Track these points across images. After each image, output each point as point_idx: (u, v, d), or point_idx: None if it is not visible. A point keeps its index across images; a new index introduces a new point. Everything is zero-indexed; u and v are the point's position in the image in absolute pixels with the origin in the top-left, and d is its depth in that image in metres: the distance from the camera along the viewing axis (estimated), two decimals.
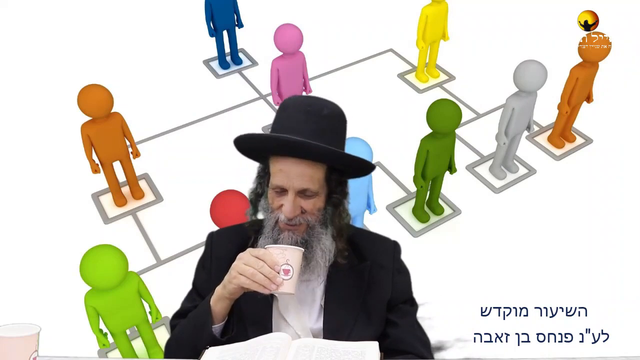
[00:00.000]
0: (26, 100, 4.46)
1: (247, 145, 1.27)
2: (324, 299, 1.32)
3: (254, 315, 1.30)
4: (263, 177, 1.30)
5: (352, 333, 1.27)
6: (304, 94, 3.90)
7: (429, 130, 3.11)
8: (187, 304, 1.42)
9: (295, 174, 1.20)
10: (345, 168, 1.27)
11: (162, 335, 2.90)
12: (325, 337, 1.27)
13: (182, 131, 4.18)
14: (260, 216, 1.34)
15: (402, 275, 1.39)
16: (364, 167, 1.28)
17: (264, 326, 1.28)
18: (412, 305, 1.40)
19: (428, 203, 3.52)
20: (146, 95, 4.47)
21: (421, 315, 1.42)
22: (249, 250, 1.19)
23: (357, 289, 1.32)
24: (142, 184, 3.75)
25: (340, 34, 5.13)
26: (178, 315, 1.41)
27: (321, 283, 1.32)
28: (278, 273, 1.16)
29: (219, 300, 1.23)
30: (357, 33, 5.15)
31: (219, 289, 1.23)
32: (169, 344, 1.37)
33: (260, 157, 1.30)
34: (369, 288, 1.33)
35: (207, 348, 1.21)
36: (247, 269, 1.15)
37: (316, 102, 1.25)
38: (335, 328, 1.28)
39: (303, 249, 1.21)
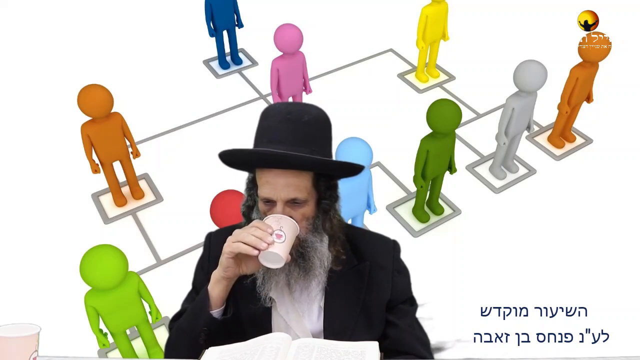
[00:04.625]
0: (26, 100, 4.46)
1: (231, 159, 1.26)
2: (323, 301, 1.31)
3: (253, 318, 1.30)
4: (252, 188, 1.29)
5: (353, 334, 1.27)
6: (304, 94, 3.90)
7: (429, 130, 3.11)
8: (187, 304, 1.41)
9: (281, 185, 1.19)
10: (331, 173, 1.27)
11: (162, 335, 2.90)
12: (325, 339, 1.27)
13: (182, 131, 4.18)
14: None
15: (401, 275, 1.38)
16: (350, 170, 1.27)
17: (264, 329, 1.28)
18: (412, 305, 1.39)
19: (428, 203, 3.52)
20: (146, 95, 4.47)
21: (421, 315, 1.42)
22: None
23: (357, 290, 1.32)
24: (142, 184, 3.75)
25: (340, 34, 5.13)
26: (178, 316, 1.41)
27: (319, 283, 1.31)
28: (272, 234, 1.16)
29: (216, 283, 1.24)
30: (357, 33, 5.15)
31: (215, 272, 1.24)
32: (169, 338, 1.37)
33: (247, 168, 1.30)
34: (368, 289, 1.32)
35: (207, 348, 1.21)
36: (240, 234, 1.16)
37: (296, 109, 1.23)
38: (336, 330, 1.28)
39: (299, 228, 1.22)
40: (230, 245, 1.17)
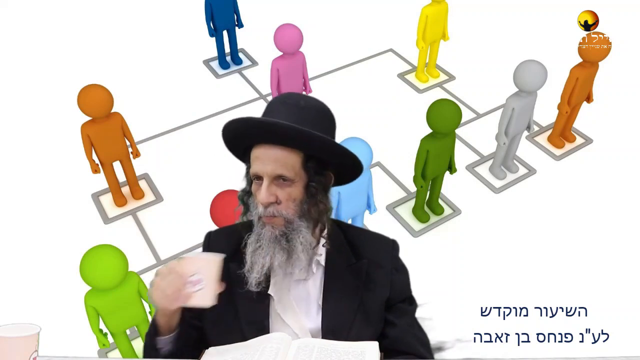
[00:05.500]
0: (26, 100, 4.46)
1: (228, 135, 1.28)
2: (321, 299, 1.31)
3: (250, 314, 1.29)
4: (249, 173, 1.29)
5: (351, 332, 1.27)
6: (303, 94, 3.90)
7: (429, 130, 3.11)
8: None
9: (268, 159, 1.20)
10: (318, 153, 1.24)
11: None
12: (323, 337, 1.26)
13: (182, 131, 4.18)
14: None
15: (400, 273, 1.38)
16: (337, 152, 1.25)
17: (261, 326, 1.28)
18: (411, 304, 1.39)
19: (428, 203, 3.52)
20: (146, 95, 4.47)
21: (421, 315, 1.42)
22: (168, 263, 1.19)
23: (355, 287, 1.31)
24: (142, 184, 3.75)
25: (340, 34, 5.13)
26: None
27: (317, 280, 1.31)
28: (188, 284, 1.12)
29: (160, 315, 1.23)
30: (357, 33, 5.15)
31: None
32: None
33: (246, 155, 1.30)
34: (366, 287, 1.32)
35: (207, 348, 1.21)
36: (160, 284, 1.15)
37: (294, 95, 1.27)
38: (334, 327, 1.28)
39: (221, 257, 1.17)
40: (152, 295, 1.16)
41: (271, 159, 1.20)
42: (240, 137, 1.26)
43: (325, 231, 1.31)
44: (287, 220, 1.24)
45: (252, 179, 1.25)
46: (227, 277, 1.33)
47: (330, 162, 1.27)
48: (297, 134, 1.18)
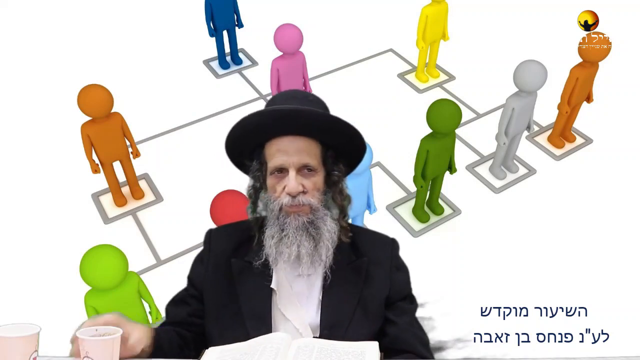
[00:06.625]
0: (26, 100, 4.46)
1: (240, 132, 1.28)
2: (321, 293, 1.31)
3: (252, 309, 1.30)
4: (259, 170, 1.31)
5: (349, 328, 1.28)
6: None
7: (429, 130, 3.11)
8: (184, 292, 1.43)
9: (293, 150, 1.23)
10: (337, 140, 1.29)
11: None
12: (322, 332, 1.27)
13: (182, 131, 4.18)
14: (261, 212, 1.34)
15: (400, 272, 1.39)
16: (353, 136, 1.29)
17: (263, 320, 1.28)
18: (412, 302, 1.40)
19: (428, 203, 3.52)
20: (146, 95, 4.47)
21: (421, 315, 1.42)
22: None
23: (355, 285, 1.32)
24: (142, 184, 3.75)
25: (340, 34, 5.13)
26: (172, 302, 1.43)
27: (318, 276, 1.32)
28: None
29: None
30: (357, 33, 5.15)
31: None
32: None
33: (254, 155, 1.31)
34: (366, 284, 1.33)
35: (207, 348, 1.21)
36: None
37: (301, 91, 1.32)
38: (333, 324, 1.28)
39: (118, 334, 1.09)
40: None
41: (296, 150, 1.23)
42: (260, 132, 1.27)
43: (344, 221, 1.34)
44: (313, 209, 1.27)
45: (272, 172, 1.26)
46: (229, 273, 1.34)
47: (345, 151, 1.32)
48: (324, 117, 1.23)
